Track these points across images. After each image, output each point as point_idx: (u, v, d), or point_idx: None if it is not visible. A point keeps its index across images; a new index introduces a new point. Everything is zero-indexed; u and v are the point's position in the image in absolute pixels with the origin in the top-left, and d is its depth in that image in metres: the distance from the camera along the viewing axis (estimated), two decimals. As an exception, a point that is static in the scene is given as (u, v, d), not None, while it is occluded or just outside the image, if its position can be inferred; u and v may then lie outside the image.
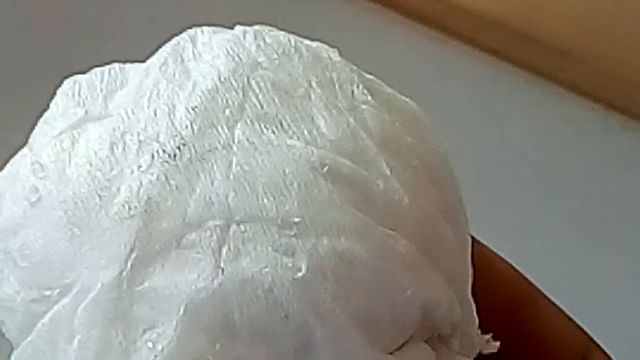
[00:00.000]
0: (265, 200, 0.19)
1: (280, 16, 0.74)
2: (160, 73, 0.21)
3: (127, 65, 0.22)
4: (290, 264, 0.19)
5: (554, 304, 0.28)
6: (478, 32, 0.73)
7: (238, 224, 0.19)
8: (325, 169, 0.20)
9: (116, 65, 0.22)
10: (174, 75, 0.21)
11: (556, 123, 0.72)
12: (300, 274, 0.19)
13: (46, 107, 0.24)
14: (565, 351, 0.27)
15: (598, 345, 0.27)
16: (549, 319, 0.28)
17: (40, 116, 0.23)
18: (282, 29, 0.77)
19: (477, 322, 0.23)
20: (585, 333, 0.27)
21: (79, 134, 0.20)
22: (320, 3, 0.73)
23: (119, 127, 0.20)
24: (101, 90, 0.21)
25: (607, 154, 0.71)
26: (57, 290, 0.19)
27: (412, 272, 0.20)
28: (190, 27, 0.75)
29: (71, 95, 0.21)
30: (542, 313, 0.28)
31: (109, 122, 0.20)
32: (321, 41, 0.80)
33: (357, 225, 0.19)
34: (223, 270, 0.19)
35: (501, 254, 0.72)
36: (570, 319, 0.28)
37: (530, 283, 0.28)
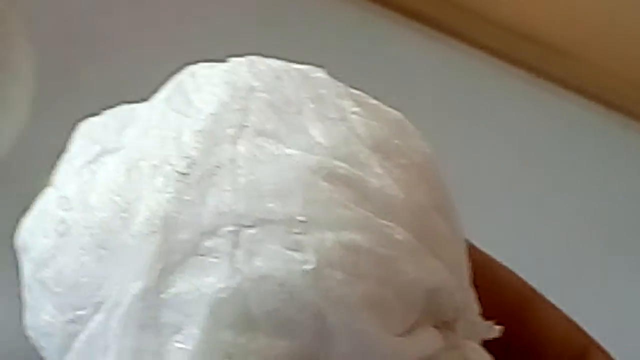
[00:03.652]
0: (272, 204, 0.21)
1: (280, 16, 0.74)
2: (165, 105, 0.24)
3: (135, 105, 0.24)
4: (300, 259, 0.21)
5: (554, 306, 0.29)
6: (478, 32, 0.73)
7: (249, 228, 0.21)
8: (324, 172, 0.22)
9: (125, 105, 0.25)
10: (179, 105, 0.23)
11: (556, 123, 0.72)
12: (309, 267, 0.21)
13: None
14: (566, 351, 0.29)
15: (598, 346, 0.29)
16: (550, 320, 0.29)
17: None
18: (282, 30, 0.77)
19: (478, 310, 0.25)
20: (586, 334, 0.28)
21: (97, 167, 0.23)
22: (320, 3, 0.73)
23: (133, 156, 0.23)
24: (114, 127, 0.24)
25: (607, 154, 0.72)
26: (91, 309, 0.22)
27: (412, 258, 0.22)
28: (191, 29, 0.75)
29: (86, 135, 0.24)
30: (543, 315, 0.29)
31: (124, 153, 0.23)
32: (322, 41, 0.79)
33: (357, 219, 0.22)
34: (240, 270, 0.21)
35: (501, 253, 0.72)
36: (571, 321, 0.29)
37: (531, 287, 0.30)
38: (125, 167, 0.23)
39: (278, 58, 0.79)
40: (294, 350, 0.21)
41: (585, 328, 0.68)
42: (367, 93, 0.83)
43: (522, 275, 0.68)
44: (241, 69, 0.24)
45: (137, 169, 0.22)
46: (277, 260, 0.21)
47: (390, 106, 0.80)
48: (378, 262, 0.22)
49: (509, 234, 0.70)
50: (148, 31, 0.72)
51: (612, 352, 0.68)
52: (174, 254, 0.21)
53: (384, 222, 0.22)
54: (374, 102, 0.25)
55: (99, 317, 0.22)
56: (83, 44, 0.71)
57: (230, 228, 0.21)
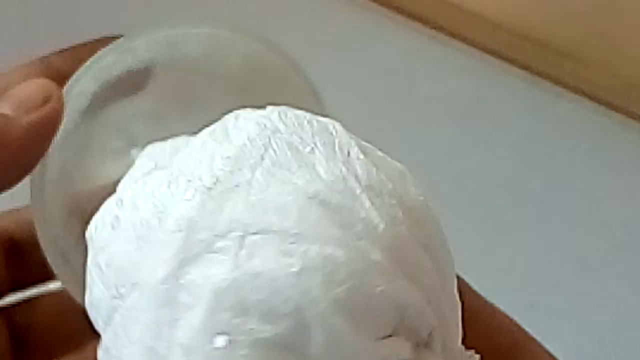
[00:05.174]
0: (273, 219, 0.26)
1: (280, 16, 0.75)
2: (208, 136, 0.29)
3: (190, 137, 0.30)
4: (289, 262, 0.26)
5: (548, 353, 0.32)
6: (478, 32, 0.73)
7: (252, 235, 0.26)
8: (319, 198, 0.27)
9: (184, 135, 0.30)
10: (218, 136, 0.29)
11: (556, 123, 0.72)
12: (295, 269, 0.26)
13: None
14: None
15: None
16: None
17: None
18: (283, 30, 0.77)
19: (460, 338, 0.29)
20: None
21: (149, 179, 0.29)
22: (320, 3, 0.74)
23: (174, 172, 0.28)
24: (168, 150, 0.30)
25: (607, 154, 0.72)
26: (129, 287, 0.27)
27: (383, 275, 0.27)
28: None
29: (147, 155, 0.30)
30: (536, 359, 0.32)
31: (169, 170, 0.29)
32: (322, 41, 0.79)
33: (339, 238, 0.26)
34: (240, 267, 0.26)
35: (501, 253, 0.72)
36: None
37: (526, 333, 0.32)
38: (167, 180, 0.28)
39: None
40: (277, 334, 0.26)
41: (585, 327, 0.68)
42: (367, 93, 0.83)
43: (522, 274, 0.69)
44: (273, 115, 0.29)
45: (176, 182, 0.28)
46: (271, 262, 0.26)
47: (390, 106, 0.80)
48: (352, 273, 0.26)
49: (508, 233, 0.70)
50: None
51: (611, 351, 0.68)
52: (193, 249, 0.27)
53: (363, 243, 0.27)
54: (381, 154, 0.30)
55: (134, 295, 0.27)
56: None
57: (239, 233, 0.26)
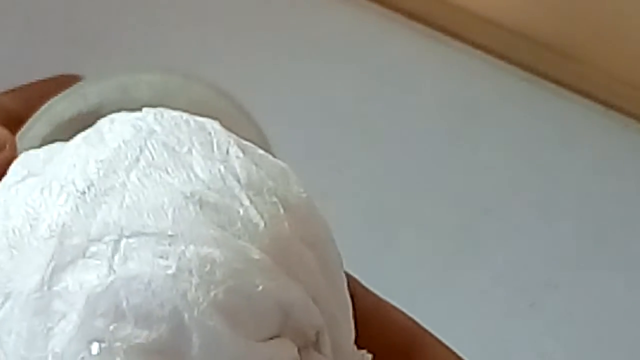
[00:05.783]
0: (148, 221, 0.26)
1: (280, 16, 0.75)
2: (82, 141, 0.29)
3: (67, 143, 0.29)
4: (164, 264, 0.25)
5: (445, 345, 0.32)
6: (478, 32, 0.73)
7: (127, 238, 0.26)
8: (196, 198, 0.27)
9: (58, 142, 0.30)
10: (92, 141, 0.28)
11: (556, 123, 0.72)
12: (170, 271, 0.25)
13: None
14: None
15: None
16: (439, 356, 0.32)
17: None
18: (283, 30, 0.76)
19: (352, 338, 0.29)
20: None
21: (22, 186, 0.28)
22: (320, 3, 0.74)
23: (47, 178, 0.28)
24: (42, 158, 0.29)
25: (607, 154, 0.72)
26: (2, 298, 0.27)
27: (263, 274, 0.26)
28: (192, 29, 0.75)
29: (21, 162, 0.29)
30: (433, 352, 0.32)
31: (43, 176, 0.28)
32: (322, 41, 0.79)
33: (217, 238, 0.26)
34: (115, 271, 0.26)
35: (501, 254, 0.72)
36: (460, 357, 0.31)
37: (422, 327, 0.32)
38: (40, 186, 0.28)
39: (279, 57, 0.79)
40: (154, 339, 0.25)
41: (585, 327, 0.68)
42: (366, 92, 0.83)
43: (522, 274, 0.69)
44: (149, 116, 0.29)
45: (49, 187, 0.27)
46: (146, 264, 0.26)
47: (390, 106, 0.79)
48: (230, 273, 0.26)
49: (508, 234, 0.70)
50: (148, 31, 0.72)
51: (612, 351, 0.68)
52: (66, 255, 0.26)
53: (242, 242, 0.26)
54: (262, 152, 0.29)
55: (7, 305, 0.26)
56: (83, 44, 0.71)
57: (113, 237, 0.26)
